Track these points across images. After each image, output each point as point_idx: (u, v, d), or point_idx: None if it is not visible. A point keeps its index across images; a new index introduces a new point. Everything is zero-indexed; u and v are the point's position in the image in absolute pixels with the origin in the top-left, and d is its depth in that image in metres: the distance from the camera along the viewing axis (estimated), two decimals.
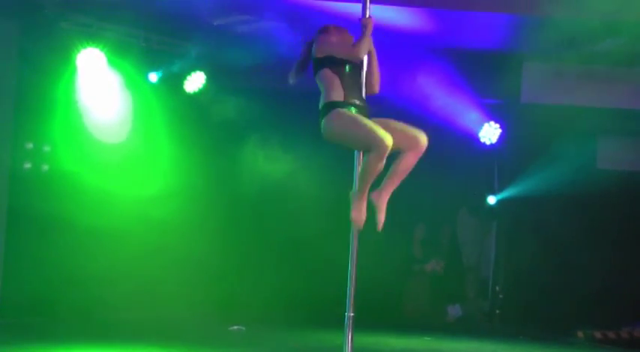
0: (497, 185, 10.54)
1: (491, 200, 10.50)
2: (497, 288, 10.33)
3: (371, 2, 5.05)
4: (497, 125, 10.11)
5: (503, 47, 9.18)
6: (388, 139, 4.70)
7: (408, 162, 4.90)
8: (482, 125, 10.11)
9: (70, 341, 6.90)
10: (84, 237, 8.42)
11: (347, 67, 4.91)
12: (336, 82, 4.89)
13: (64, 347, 6.52)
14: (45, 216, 8.18)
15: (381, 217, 4.89)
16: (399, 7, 7.73)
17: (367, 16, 5.00)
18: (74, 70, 8.41)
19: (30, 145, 8.39)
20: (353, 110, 4.86)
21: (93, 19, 8.46)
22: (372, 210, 4.90)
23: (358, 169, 4.95)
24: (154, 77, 9.19)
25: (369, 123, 4.79)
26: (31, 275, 8.18)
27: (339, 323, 5.06)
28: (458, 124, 9.88)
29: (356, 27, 4.99)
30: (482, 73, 9.44)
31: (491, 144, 10.20)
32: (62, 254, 8.36)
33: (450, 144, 9.63)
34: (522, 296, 10.09)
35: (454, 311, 10.31)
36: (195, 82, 9.38)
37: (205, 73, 9.38)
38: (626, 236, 9.96)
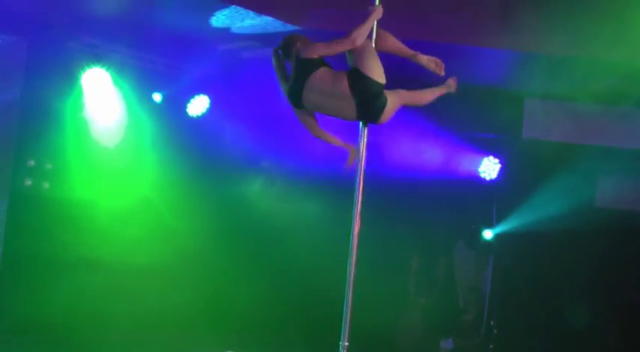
0: (496, 219, 10.55)
1: (488, 234, 10.50)
2: (491, 323, 10.30)
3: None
4: (497, 160, 10.15)
5: (506, 82, 9.25)
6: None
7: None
8: (480, 161, 10.15)
9: None
10: (79, 261, 8.43)
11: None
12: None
13: None
14: (43, 236, 8.19)
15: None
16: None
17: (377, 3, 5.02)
18: (79, 89, 8.46)
19: (32, 162, 8.41)
20: None
21: (100, 40, 8.52)
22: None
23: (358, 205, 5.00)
24: (157, 97, 9.23)
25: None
26: (26, 293, 8.18)
27: None
28: (455, 162, 9.94)
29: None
30: (485, 107, 9.50)
31: (491, 179, 10.23)
32: (57, 274, 8.35)
33: (450, 177, 9.66)
34: (517, 332, 10.06)
35: (447, 344, 10.27)
36: (198, 105, 9.43)
37: (209, 97, 9.43)
38: (624, 274, 9.95)
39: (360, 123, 5.00)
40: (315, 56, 4.86)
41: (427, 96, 5.24)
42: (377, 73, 4.83)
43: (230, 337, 9.18)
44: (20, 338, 8.02)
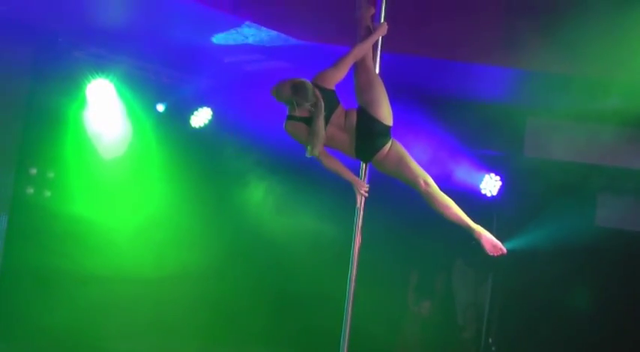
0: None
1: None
2: (490, 340, 10.28)
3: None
4: (498, 177, 10.16)
5: (508, 101, 9.27)
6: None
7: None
8: (481, 177, 10.16)
9: None
10: (81, 273, 8.43)
11: None
12: None
13: None
14: (43, 245, 8.19)
15: None
16: (406, 56, 7.83)
17: (382, 21, 5.09)
18: (84, 99, 8.48)
19: (34, 171, 8.42)
20: None
21: (105, 50, 8.55)
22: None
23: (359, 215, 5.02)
24: (160, 107, 9.25)
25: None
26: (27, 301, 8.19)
27: None
28: (456, 176, 9.95)
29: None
30: (487, 124, 9.52)
31: (492, 196, 10.23)
32: (57, 285, 8.36)
33: (451, 194, 9.64)
34: (515, 350, 10.04)
35: None
36: (201, 117, 9.45)
37: (212, 109, 9.45)
38: (623, 294, 9.94)
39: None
40: (333, 84, 4.95)
41: (451, 208, 5.60)
42: (383, 113, 4.92)
43: (231, 350, 9.18)
44: (19, 348, 8.01)
